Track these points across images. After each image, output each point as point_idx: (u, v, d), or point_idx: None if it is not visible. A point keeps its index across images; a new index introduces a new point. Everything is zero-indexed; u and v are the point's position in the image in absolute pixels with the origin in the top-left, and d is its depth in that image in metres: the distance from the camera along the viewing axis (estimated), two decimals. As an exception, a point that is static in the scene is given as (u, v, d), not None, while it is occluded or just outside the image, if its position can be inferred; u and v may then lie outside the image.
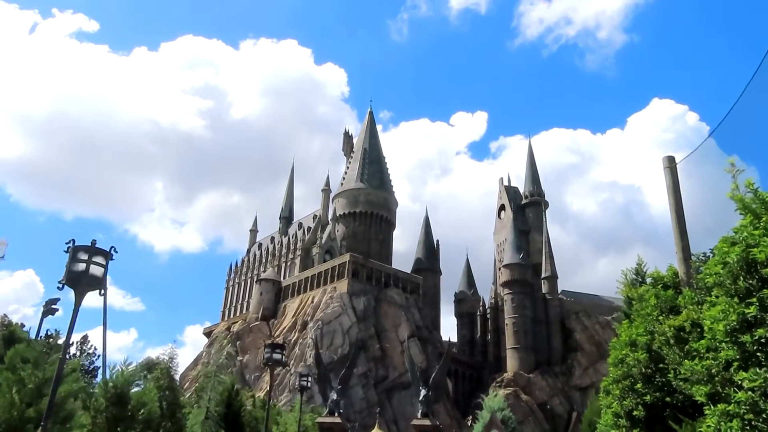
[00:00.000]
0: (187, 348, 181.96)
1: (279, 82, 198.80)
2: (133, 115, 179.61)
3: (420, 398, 20.05)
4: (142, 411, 7.69)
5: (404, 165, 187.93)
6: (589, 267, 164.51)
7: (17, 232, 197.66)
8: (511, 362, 71.56)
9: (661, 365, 5.83)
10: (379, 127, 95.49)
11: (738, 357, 4.37)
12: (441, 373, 22.50)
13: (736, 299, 4.49)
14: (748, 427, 4.15)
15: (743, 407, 4.17)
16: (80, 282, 4.93)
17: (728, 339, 4.49)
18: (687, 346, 5.31)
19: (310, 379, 20.28)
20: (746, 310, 4.32)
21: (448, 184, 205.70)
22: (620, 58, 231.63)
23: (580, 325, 74.28)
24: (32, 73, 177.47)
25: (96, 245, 4.98)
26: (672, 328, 5.61)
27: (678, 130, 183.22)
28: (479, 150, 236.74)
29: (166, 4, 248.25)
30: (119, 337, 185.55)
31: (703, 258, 6.95)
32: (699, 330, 5.26)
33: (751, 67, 5.65)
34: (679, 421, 5.41)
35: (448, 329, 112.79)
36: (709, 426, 4.54)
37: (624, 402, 6.37)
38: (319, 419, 20.70)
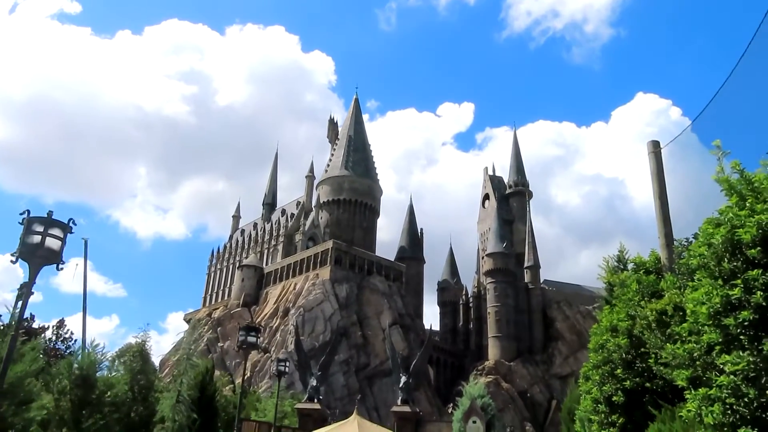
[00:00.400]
0: (170, 335, 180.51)
1: (265, 68, 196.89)
2: (116, 100, 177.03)
3: (400, 385, 20.06)
4: (108, 394, 7.40)
5: (390, 154, 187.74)
6: (571, 259, 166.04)
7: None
8: (493, 351, 72.05)
9: (642, 350, 5.74)
10: (365, 117, 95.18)
11: (721, 340, 4.26)
12: (422, 361, 22.51)
13: (720, 281, 4.38)
14: (729, 412, 4.05)
15: (725, 391, 4.07)
16: (34, 255, 4.64)
17: (711, 322, 4.38)
18: (669, 330, 5.21)
19: (288, 364, 20.14)
20: (730, 292, 4.21)
21: (433, 175, 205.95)
22: (606, 52, 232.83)
23: (562, 314, 74.95)
24: (12, 54, 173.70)
25: (53, 216, 4.70)
26: (654, 312, 5.50)
27: (661, 124, 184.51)
28: (465, 141, 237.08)
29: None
30: (101, 324, 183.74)
31: (686, 243, 6.87)
32: (681, 313, 5.16)
33: (734, 63, 5.64)
34: (659, 406, 5.32)
35: (431, 318, 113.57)
36: (689, 411, 4.44)
37: (603, 387, 6.29)
38: (299, 405, 20.63)
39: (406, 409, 19.78)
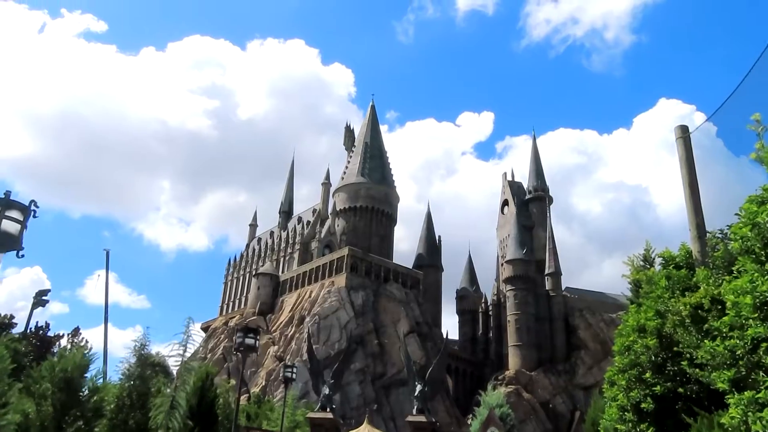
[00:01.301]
0: (194, 345, 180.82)
1: (286, 82, 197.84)
2: (140, 115, 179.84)
3: (415, 394, 19.41)
4: (95, 398, 6.95)
5: (410, 165, 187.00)
6: (594, 268, 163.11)
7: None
8: (513, 360, 70.77)
9: (675, 349, 5.13)
10: (384, 127, 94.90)
11: (770, 335, 3.66)
12: (438, 369, 21.86)
13: (767, 266, 3.78)
14: (783, 419, 3.45)
15: (777, 395, 3.47)
16: (-11, 239, 4.21)
17: (757, 314, 3.78)
18: (706, 326, 4.60)
19: (297, 370, 19.65)
20: (781, 279, 3.61)
21: (453, 184, 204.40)
22: (627, 58, 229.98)
23: (584, 322, 73.26)
24: (41, 72, 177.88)
25: (10, 197, 4.26)
26: (688, 306, 4.88)
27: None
28: (485, 150, 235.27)
29: (173, 4, 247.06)
30: (124, 335, 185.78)
31: (720, 236, 6.25)
32: (720, 307, 4.54)
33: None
34: (694, 413, 4.69)
35: (450, 327, 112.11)
36: (733, 417, 3.83)
37: (631, 394, 5.68)
38: (310, 414, 20.07)
39: (422, 418, 19.13)
